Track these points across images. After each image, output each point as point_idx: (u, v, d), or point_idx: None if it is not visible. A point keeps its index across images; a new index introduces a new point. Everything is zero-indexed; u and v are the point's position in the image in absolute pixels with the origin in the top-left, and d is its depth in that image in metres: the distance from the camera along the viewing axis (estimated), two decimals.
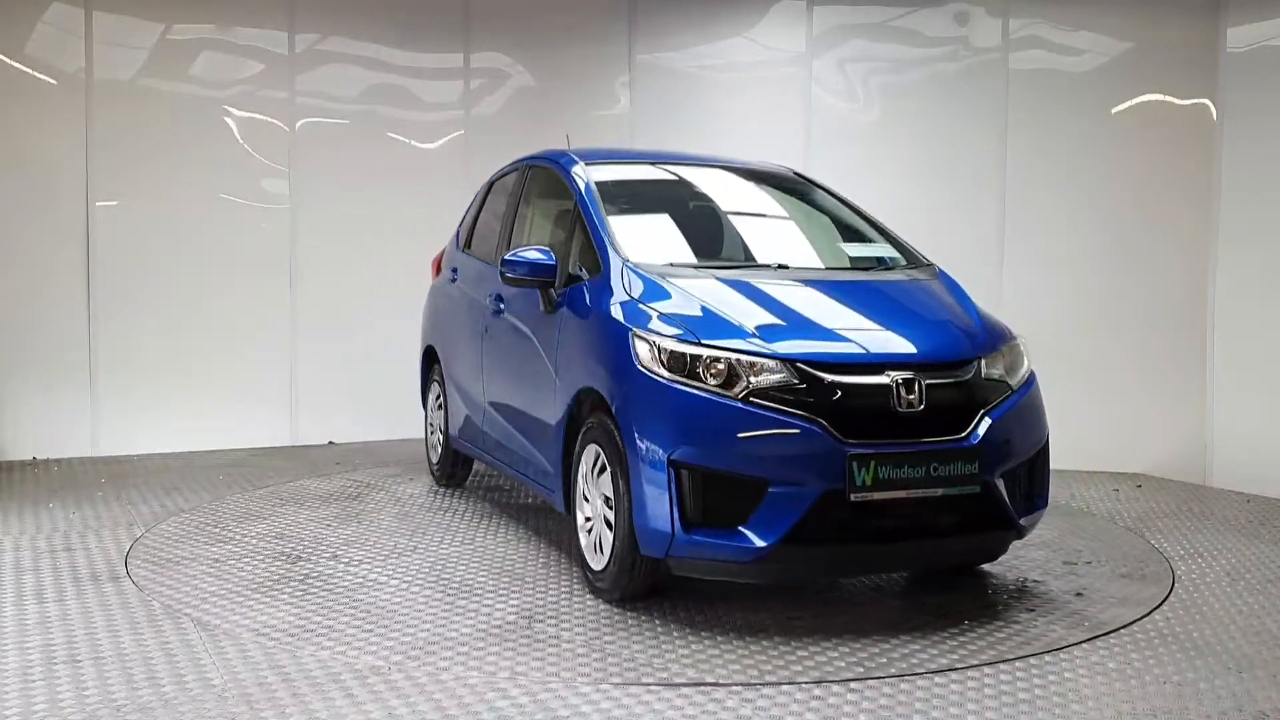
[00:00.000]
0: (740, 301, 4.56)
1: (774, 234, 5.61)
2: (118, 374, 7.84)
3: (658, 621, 4.34)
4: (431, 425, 7.02)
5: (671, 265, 4.85)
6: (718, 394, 4.17)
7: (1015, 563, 5.25)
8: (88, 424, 7.78)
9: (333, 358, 8.35)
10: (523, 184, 6.12)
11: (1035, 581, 4.96)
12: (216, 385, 8.06)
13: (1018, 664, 3.94)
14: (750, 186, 5.88)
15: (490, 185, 6.75)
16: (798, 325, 4.45)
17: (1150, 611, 4.55)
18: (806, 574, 4.59)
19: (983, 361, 4.47)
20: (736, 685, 3.70)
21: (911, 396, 4.21)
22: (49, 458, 7.63)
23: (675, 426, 4.19)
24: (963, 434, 4.27)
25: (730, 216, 5.58)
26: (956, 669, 3.88)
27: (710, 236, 5.43)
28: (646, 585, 4.50)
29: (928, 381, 4.26)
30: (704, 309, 4.47)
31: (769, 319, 4.45)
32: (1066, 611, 4.53)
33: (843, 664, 3.91)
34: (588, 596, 4.64)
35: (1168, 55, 7.43)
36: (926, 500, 4.21)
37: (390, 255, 8.39)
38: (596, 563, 4.64)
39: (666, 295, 4.58)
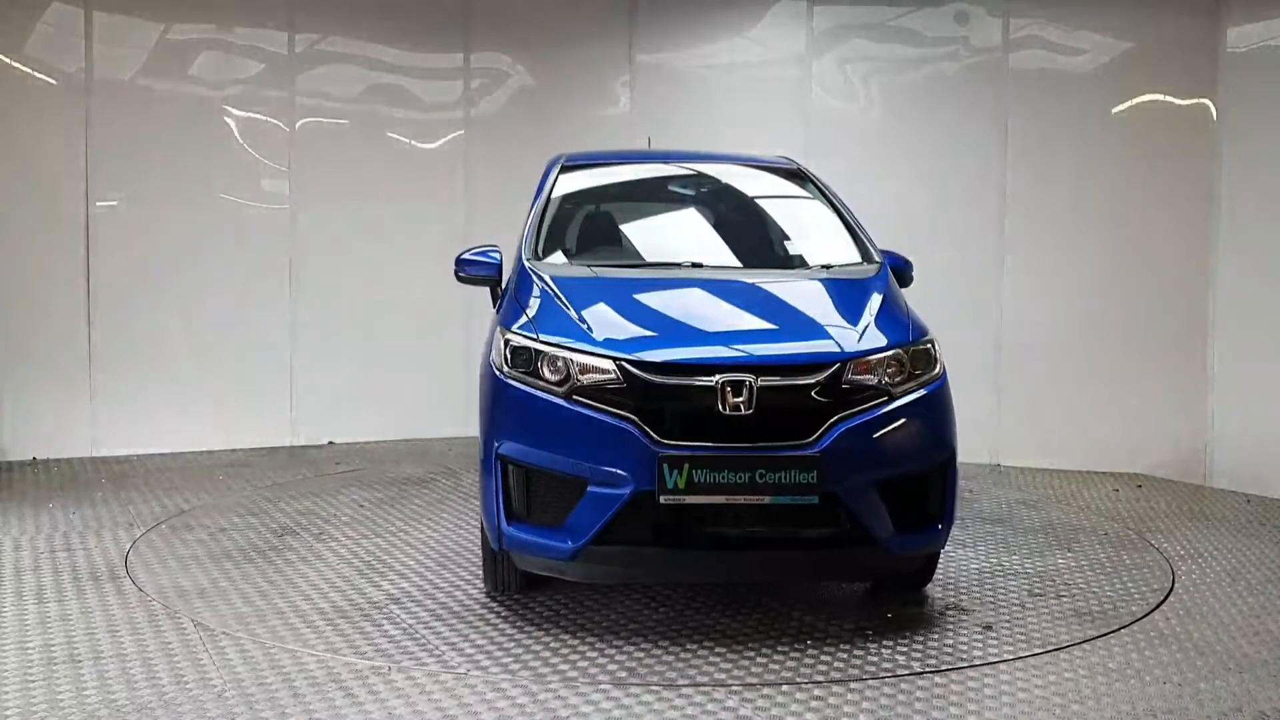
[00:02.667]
0: (611, 301, 4.51)
1: (716, 233, 5.52)
2: (118, 374, 7.84)
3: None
4: None
5: (572, 265, 4.95)
6: (545, 391, 4.16)
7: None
8: (88, 424, 7.78)
9: (333, 358, 8.35)
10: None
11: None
12: (216, 385, 8.06)
13: (1018, 664, 3.94)
14: (732, 184, 5.84)
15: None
16: (648, 326, 4.34)
17: (1150, 611, 4.55)
18: (626, 576, 4.40)
19: (849, 366, 4.13)
20: (736, 685, 3.70)
21: (738, 400, 3.97)
22: (49, 458, 7.62)
23: (504, 422, 4.24)
24: (804, 441, 4.01)
25: (684, 216, 5.63)
26: (956, 669, 3.88)
27: (644, 236, 5.48)
28: (515, 579, 4.57)
29: (762, 385, 4.00)
30: (564, 308, 4.42)
31: (620, 319, 4.36)
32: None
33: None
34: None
35: (1168, 55, 7.43)
36: (763, 509, 3.98)
37: (390, 255, 8.39)
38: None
39: (543, 294, 4.57)
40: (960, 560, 5.29)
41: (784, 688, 3.68)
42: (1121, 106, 7.55)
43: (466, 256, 5.19)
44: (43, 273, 7.69)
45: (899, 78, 8.08)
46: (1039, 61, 7.74)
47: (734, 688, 3.68)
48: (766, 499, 3.96)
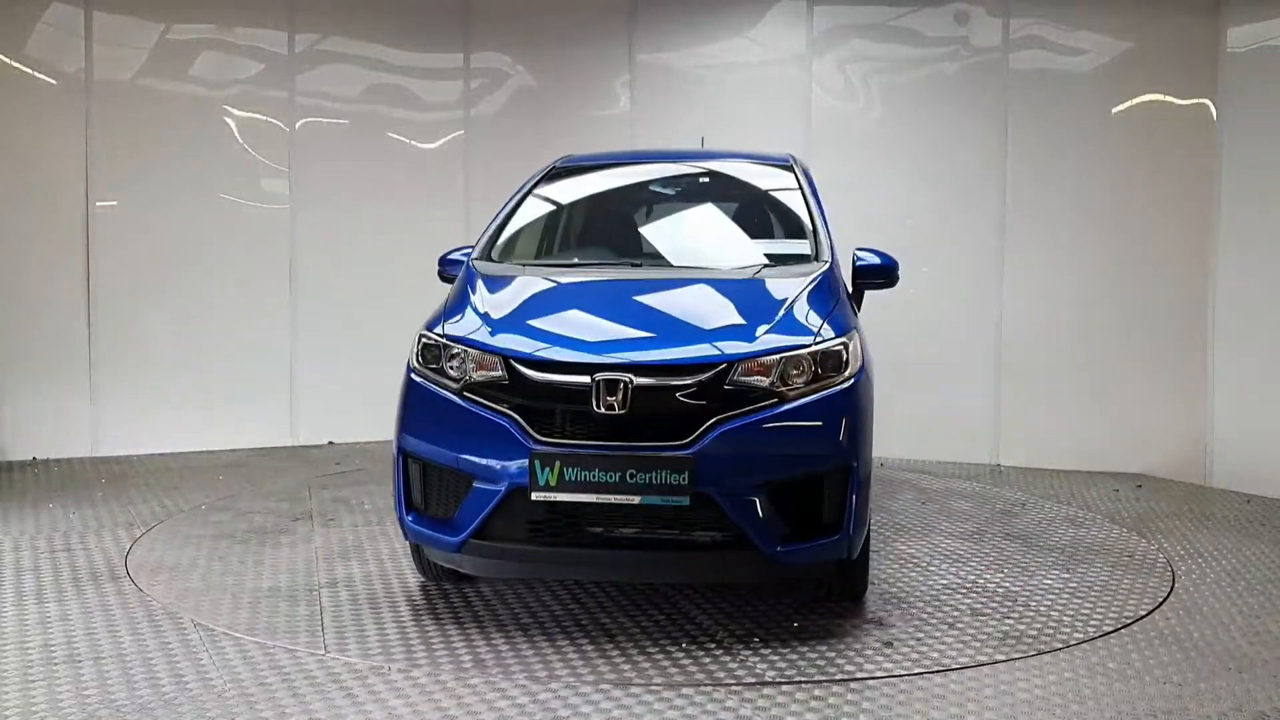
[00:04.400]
0: (522, 301, 4.58)
1: (675, 233, 5.54)
2: (118, 374, 7.84)
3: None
4: None
5: (508, 265, 5.01)
6: (442, 388, 4.24)
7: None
8: (88, 424, 7.78)
9: (333, 358, 8.35)
10: None
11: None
12: (216, 385, 8.07)
13: (1018, 664, 3.94)
14: (712, 183, 5.84)
15: None
16: (544, 325, 4.36)
17: (1150, 611, 4.56)
18: (509, 570, 4.39)
19: (735, 368, 4.04)
20: (737, 685, 3.70)
21: (612, 399, 3.96)
22: (49, 458, 7.62)
23: (406, 417, 4.35)
24: (678, 442, 3.96)
25: (649, 217, 5.65)
26: (956, 669, 3.88)
27: (600, 236, 5.54)
28: (435, 569, 4.67)
29: (639, 385, 3.98)
30: (476, 307, 4.50)
31: (520, 318, 4.42)
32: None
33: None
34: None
35: (1168, 55, 7.43)
36: (634, 508, 3.96)
37: (390, 255, 8.39)
38: None
39: (464, 294, 4.66)
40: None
41: (784, 687, 3.68)
42: (1121, 106, 7.55)
43: (450, 256, 5.26)
44: (43, 273, 7.69)
45: (899, 78, 8.08)
46: (1039, 61, 7.74)
47: (734, 688, 3.68)
48: (636, 499, 3.93)
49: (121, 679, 3.70)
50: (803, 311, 4.41)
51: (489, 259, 5.11)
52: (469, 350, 4.23)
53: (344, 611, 4.46)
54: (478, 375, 4.18)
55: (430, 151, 8.74)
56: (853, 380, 4.20)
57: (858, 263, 5.19)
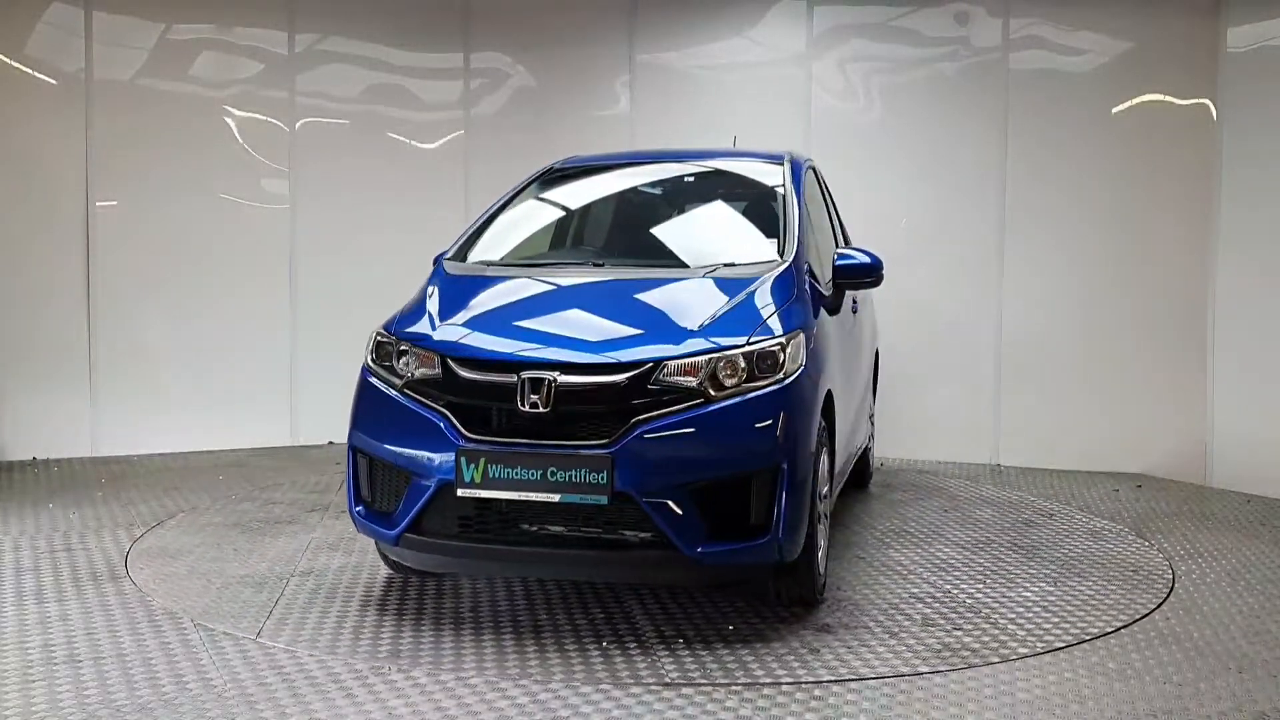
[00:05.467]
0: (470, 300, 4.62)
1: (646, 233, 5.52)
2: (118, 374, 7.85)
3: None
4: None
5: (471, 265, 5.05)
6: (388, 385, 4.35)
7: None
8: (88, 424, 7.78)
9: (333, 358, 8.31)
10: None
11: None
12: (216, 385, 8.07)
13: (1017, 664, 3.94)
14: (699, 183, 5.83)
15: None
16: (483, 323, 4.42)
17: (1150, 611, 4.55)
18: (442, 565, 4.44)
19: (661, 368, 4.03)
20: (737, 685, 3.70)
21: (536, 397, 4.00)
22: (49, 458, 7.62)
23: (356, 413, 4.47)
24: (598, 441, 3.97)
25: (626, 217, 5.67)
26: (956, 669, 3.88)
27: (571, 237, 5.56)
28: (389, 560, 4.79)
29: (562, 384, 4.01)
30: (428, 306, 4.59)
31: (464, 316, 4.46)
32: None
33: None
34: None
35: (1168, 55, 7.44)
36: (556, 507, 3.99)
37: (390, 255, 8.38)
38: None
39: (423, 292, 4.76)
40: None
41: (784, 687, 3.68)
42: (1121, 106, 7.55)
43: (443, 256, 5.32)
44: (43, 273, 7.70)
45: (899, 78, 8.08)
46: (1039, 61, 7.74)
47: (734, 688, 3.68)
48: (556, 497, 3.96)
49: (121, 679, 3.70)
50: (743, 311, 4.35)
51: (462, 259, 5.15)
52: (413, 348, 4.33)
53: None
54: (419, 373, 4.28)
55: (430, 151, 8.74)
56: (787, 381, 4.14)
57: (837, 262, 5.10)
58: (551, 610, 4.47)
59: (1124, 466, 7.53)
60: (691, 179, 5.92)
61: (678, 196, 5.80)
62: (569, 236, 5.63)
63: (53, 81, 7.70)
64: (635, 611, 4.45)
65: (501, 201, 5.57)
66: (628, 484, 3.92)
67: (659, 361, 4.05)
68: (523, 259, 5.20)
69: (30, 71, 7.64)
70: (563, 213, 5.73)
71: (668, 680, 3.74)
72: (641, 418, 3.98)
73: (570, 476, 3.94)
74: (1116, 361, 7.57)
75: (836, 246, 5.89)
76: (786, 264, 4.72)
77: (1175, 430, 7.40)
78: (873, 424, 7.07)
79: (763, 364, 4.13)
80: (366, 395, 4.44)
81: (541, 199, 5.69)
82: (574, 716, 3.44)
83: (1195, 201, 7.29)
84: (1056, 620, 4.41)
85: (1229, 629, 4.36)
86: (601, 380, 4.03)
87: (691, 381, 4.04)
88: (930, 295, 7.79)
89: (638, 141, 8.39)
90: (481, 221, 5.43)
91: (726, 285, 4.56)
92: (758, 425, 4.04)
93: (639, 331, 4.25)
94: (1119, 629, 4.33)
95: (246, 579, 4.87)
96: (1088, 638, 4.22)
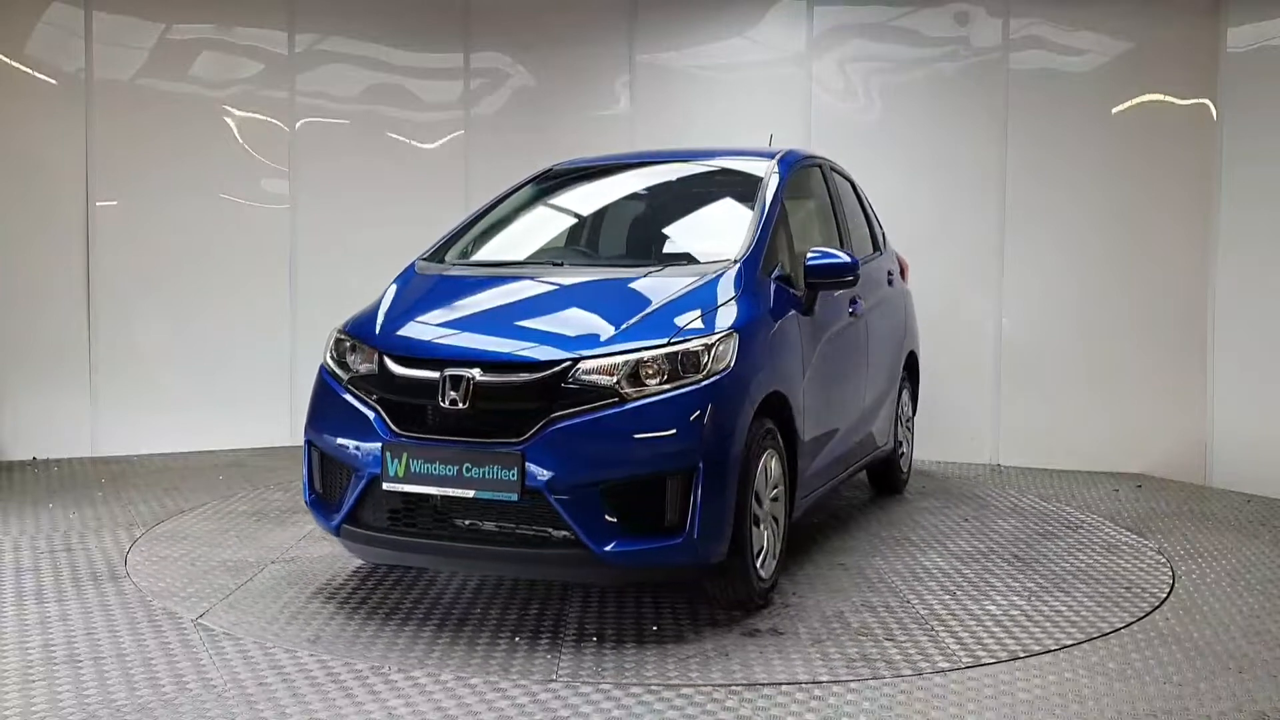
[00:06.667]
0: (420, 299, 4.75)
1: (615, 233, 5.57)
2: (118, 374, 7.85)
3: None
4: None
5: (435, 265, 5.16)
6: (336, 381, 4.50)
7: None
8: (88, 424, 7.78)
9: None
10: None
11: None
12: (216, 385, 8.07)
13: (1017, 664, 3.94)
14: (684, 183, 5.81)
15: None
16: (421, 321, 4.53)
17: (1150, 611, 4.55)
18: (376, 556, 4.55)
19: (578, 366, 4.06)
20: (737, 685, 3.70)
21: (455, 394, 4.09)
22: (49, 458, 7.63)
23: (311, 408, 4.59)
24: (512, 439, 4.01)
25: (601, 218, 5.71)
26: (956, 669, 3.88)
27: (541, 238, 5.58)
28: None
29: (480, 381, 4.08)
30: (383, 305, 4.74)
31: (408, 315, 4.59)
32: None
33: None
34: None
35: (1168, 55, 7.43)
36: (472, 502, 4.07)
37: (390, 255, 8.34)
38: None
39: (384, 291, 4.89)
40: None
41: (784, 687, 3.68)
42: (1121, 106, 7.55)
43: None
44: (43, 273, 7.69)
45: (899, 78, 8.08)
46: (1039, 61, 7.74)
47: (734, 688, 3.68)
48: (471, 493, 4.04)
49: (121, 679, 3.70)
50: (673, 311, 4.33)
51: (439, 260, 5.22)
52: (360, 345, 4.49)
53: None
54: (361, 368, 4.42)
55: (430, 151, 8.74)
56: (707, 382, 4.11)
57: (807, 262, 4.99)
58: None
59: (1124, 466, 7.53)
60: (675, 179, 5.87)
61: (658, 197, 5.79)
62: (533, 238, 5.61)
63: (53, 81, 7.70)
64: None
65: (487, 205, 5.64)
66: (537, 481, 3.97)
67: (575, 361, 4.08)
68: (490, 260, 5.23)
69: (30, 71, 7.64)
70: (543, 215, 5.74)
71: (669, 681, 3.74)
72: (554, 416, 4.02)
73: (484, 473, 4.02)
74: (1116, 361, 7.57)
75: (843, 245, 5.82)
76: (737, 263, 4.68)
77: (1175, 430, 7.40)
78: (909, 429, 6.97)
79: (686, 364, 4.13)
80: (318, 390, 4.59)
81: (526, 202, 5.73)
82: (574, 716, 3.44)
83: (1195, 201, 7.29)
84: (999, 636, 4.19)
85: (1229, 629, 4.36)
86: (517, 378, 4.11)
87: (608, 381, 4.06)
88: (930, 295, 7.78)
89: (637, 141, 8.39)
90: (464, 224, 5.51)
91: (667, 285, 4.55)
92: (673, 425, 4.04)
93: (562, 331, 4.29)
94: (1119, 629, 4.33)
95: (224, 563, 5.08)
96: (1088, 638, 4.22)
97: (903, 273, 7.01)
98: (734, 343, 4.24)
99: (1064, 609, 4.55)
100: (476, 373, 4.11)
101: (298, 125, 8.34)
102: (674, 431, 4.04)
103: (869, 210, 6.74)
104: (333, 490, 4.44)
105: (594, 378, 4.06)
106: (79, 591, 4.68)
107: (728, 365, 4.18)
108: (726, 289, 4.51)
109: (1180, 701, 3.61)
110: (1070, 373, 7.70)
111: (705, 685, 3.70)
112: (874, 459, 6.24)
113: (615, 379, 4.06)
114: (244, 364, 8.15)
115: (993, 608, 4.56)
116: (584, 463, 3.99)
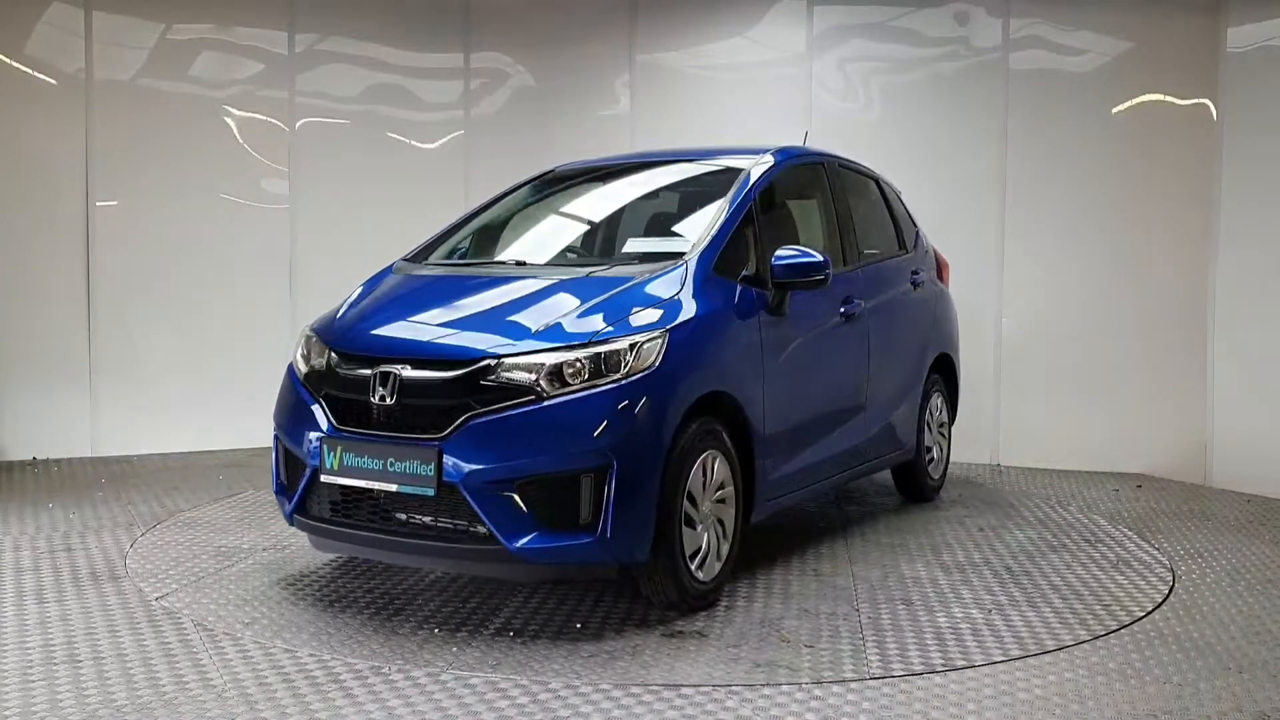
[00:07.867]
0: (379, 298, 4.87)
1: (589, 233, 5.60)
2: (118, 374, 7.85)
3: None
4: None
5: (407, 264, 5.25)
6: (295, 374, 4.69)
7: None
8: (88, 424, 7.78)
9: None
10: None
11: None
12: (216, 385, 8.07)
13: (1018, 664, 3.94)
14: (670, 184, 5.79)
15: None
16: (370, 319, 4.65)
17: (1150, 611, 4.55)
18: (322, 546, 4.61)
19: (499, 364, 4.11)
20: (737, 685, 3.70)
21: (383, 390, 4.22)
22: (49, 458, 7.63)
23: (278, 402, 4.75)
24: (431, 435, 4.10)
25: (576, 218, 5.77)
26: (956, 669, 3.88)
27: (513, 239, 5.59)
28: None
29: (406, 378, 4.21)
30: (347, 303, 4.90)
31: (363, 313, 4.73)
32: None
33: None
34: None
35: (1168, 55, 7.43)
36: (396, 496, 4.17)
37: (390, 255, 8.35)
38: None
39: (353, 291, 5.02)
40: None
41: (784, 687, 3.68)
42: (1121, 106, 7.55)
43: None
44: (43, 273, 7.70)
45: (899, 77, 8.08)
46: (1039, 61, 7.74)
47: (734, 688, 3.68)
48: (394, 486, 4.15)
49: (121, 679, 3.70)
50: (601, 310, 4.33)
51: (417, 261, 5.32)
52: (316, 342, 4.66)
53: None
54: (316, 364, 4.59)
55: (430, 151, 8.74)
56: (626, 381, 4.10)
57: (773, 261, 4.88)
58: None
59: (1124, 466, 7.53)
60: (663, 179, 5.84)
61: (641, 197, 5.79)
62: (505, 240, 5.59)
63: (53, 81, 7.70)
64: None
65: (478, 206, 5.70)
66: (452, 476, 4.05)
67: (496, 359, 4.14)
68: (460, 261, 5.33)
69: (30, 71, 7.64)
70: (529, 217, 5.75)
71: (669, 681, 3.74)
72: (473, 413, 4.09)
73: (405, 467, 4.13)
74: (1117, 361, 7.57)
75: (843, 245, 5.77)
76: (686, 261, 4.64)
77: (1175, 430, 7.40)
78: (943, 434, 6.80)
79: (608, 364, 4.13)
80: (283, 384, 4.77)
81: (517, 204, 5.77)
82: (574, 716, 3.44)
83: (1195, 201, 7.29)
84: (929, 649, 4.03)
85: (1229, 629, 4.36)
86: (439, 375, 4.19)
87: (528, 380, 4.10)
88: None
89: (638, 141, 8.39)
90: (450, 226, 5.57)
91: (606, 283, 4.56)
92: (587, 423, 4.04)
93: (490, 330, 4.34)
94: (1119, 629, 4.33)
95: (218, 549, 5.30)
96: (1088, 638, 4.22)
97: (941, 273, 6.92)
98: (661, 342, 4.23)
99: (1020, 624, 4.35)
100: (405, 369, 4.24)
101: (297, 125, 8.34)
102: (589, 429, 4.04)
103: (895, 209, 6.65)
104: (289, 481, 4.62)
105: (514, 375, 4.11)
106: (79, 591, 4.68)
107: (652, 364, 4.18)
108: (667, 287, 4.49)
109: (1180, 701, 3.61)
110: (1070, 373, 7.70)
111: (706, 685, 3.68)
112: (887, 463, 6.13)
113: (535, 378, 4.10)
114: (244, 364, 8.14)
115: (942, 620, 4.38)
116: (497, 458, 4.03)
